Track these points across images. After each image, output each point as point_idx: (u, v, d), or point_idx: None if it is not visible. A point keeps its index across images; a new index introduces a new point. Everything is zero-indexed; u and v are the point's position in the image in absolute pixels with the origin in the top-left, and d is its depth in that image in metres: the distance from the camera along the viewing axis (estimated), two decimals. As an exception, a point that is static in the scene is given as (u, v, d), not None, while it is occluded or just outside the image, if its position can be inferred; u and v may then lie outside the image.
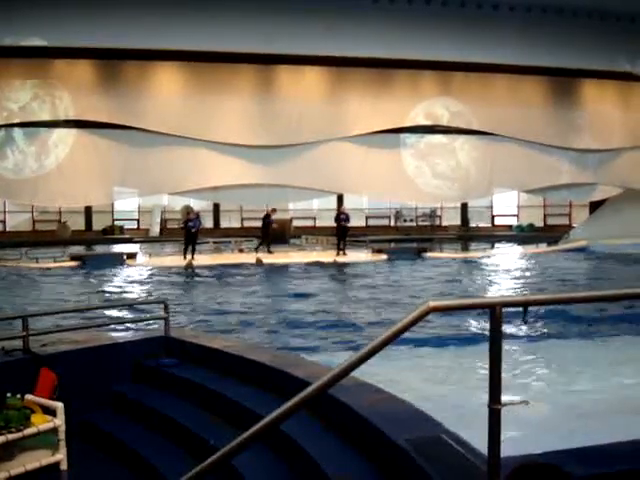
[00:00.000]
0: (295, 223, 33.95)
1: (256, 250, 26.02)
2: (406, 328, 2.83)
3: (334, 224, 26.63)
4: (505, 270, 22.13)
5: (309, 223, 37.17)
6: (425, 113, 27.86)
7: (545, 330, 11.66)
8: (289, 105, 26.47)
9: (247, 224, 36.31)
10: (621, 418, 6.65)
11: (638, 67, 27.26)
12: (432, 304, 2.82)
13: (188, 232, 24.57)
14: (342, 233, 26.05)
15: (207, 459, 3.08)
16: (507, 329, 10.28)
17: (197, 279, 20.75)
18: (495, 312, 2.85)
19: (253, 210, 35.62)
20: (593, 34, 26.19)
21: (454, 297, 14.69)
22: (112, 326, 9.21)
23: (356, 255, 26.03)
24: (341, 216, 26.32)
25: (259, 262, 23.35)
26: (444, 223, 39.15)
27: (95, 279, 20.31)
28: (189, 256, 23.97)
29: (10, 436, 5.58)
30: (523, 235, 34.86)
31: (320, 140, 26.92)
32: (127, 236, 34.19)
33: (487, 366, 2.88)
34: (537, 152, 29.08)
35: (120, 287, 18.92)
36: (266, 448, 5.03)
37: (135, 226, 36.87)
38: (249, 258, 24.43)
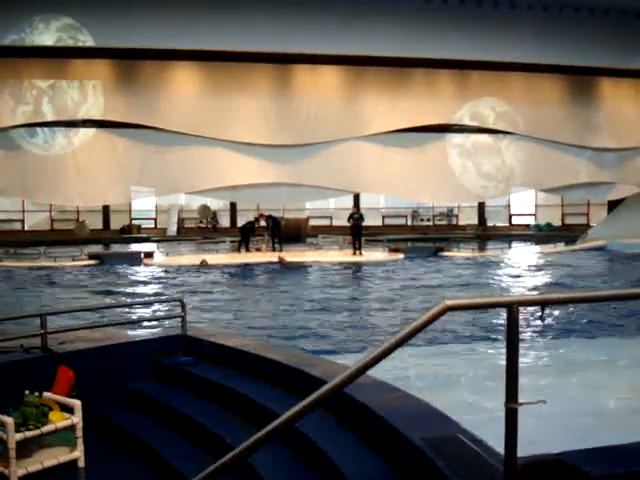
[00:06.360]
0: (312, 222, 33.95)
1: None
2: (422, 327, 2.82)
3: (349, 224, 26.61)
4: (522, 269, 22.01)
5: (326, 222, 37.16)
6: (441, 112, 27.74)
7: (563, 328, 11.59)
8: (306, 104, 26.46)
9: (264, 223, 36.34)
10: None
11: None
12: (448, 303, 2.80)
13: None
14: (356, 232, 26.01)
15: (224, 457, 3.08)
16: (524, 327, 10.25)
17: (216, 278, 20.79)
18: (512, 311, 2.84)
19: (270, 210, 35.68)
20: (610, 32, 26.02)
21: (470, 296, 14.63)
22: (129, 324, 9.25)
23: (373, 254, 26.00)
24: (354, 215, 26.28)
25: (282, 262, 23.22)
26: (461, 222, 39.01)
27: (113, 278, 20.40)
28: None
29: (28, 433, 5.62)
30: (541, 234, 34.64)
31: (337, 139, 26.90)
32: (144, 235, 34.36)
33: (504, 364, 2.87)
34: (555, 151, 28.91)
35: (137, 286, 19.01)
36: (283, 447, 5.03)
37: (152, 225, 37.03)
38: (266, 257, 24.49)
